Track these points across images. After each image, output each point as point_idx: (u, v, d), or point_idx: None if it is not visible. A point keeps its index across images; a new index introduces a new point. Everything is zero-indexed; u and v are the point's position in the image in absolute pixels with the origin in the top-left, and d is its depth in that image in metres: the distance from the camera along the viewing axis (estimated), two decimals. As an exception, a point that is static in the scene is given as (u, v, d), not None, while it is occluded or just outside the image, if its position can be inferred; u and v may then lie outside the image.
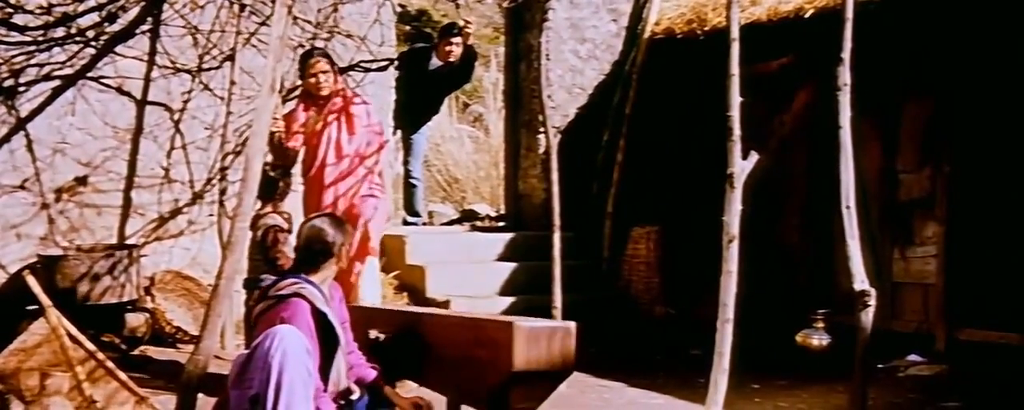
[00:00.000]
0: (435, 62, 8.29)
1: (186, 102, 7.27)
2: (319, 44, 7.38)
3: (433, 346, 4.36)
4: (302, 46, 7.31)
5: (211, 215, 7.17)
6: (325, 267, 4.03)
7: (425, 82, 8.34)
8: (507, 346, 3.67)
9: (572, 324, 3.80)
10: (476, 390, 3.96)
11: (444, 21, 12.74)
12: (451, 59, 8.17)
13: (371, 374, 4.26)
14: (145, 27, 7.07)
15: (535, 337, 3.71)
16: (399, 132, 8.68)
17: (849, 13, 4.18)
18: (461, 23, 8.24)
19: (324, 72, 6.07)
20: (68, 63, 6.91)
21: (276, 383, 3.60)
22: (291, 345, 3.66)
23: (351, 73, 7.33)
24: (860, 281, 4.07)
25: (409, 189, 8.85)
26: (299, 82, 7.29)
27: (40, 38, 6.83)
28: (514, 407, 3.82)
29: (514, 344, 3.66)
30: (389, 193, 6.71)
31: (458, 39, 8.11)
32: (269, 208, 5.81)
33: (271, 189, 5.67)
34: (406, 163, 8.81)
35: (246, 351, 3.87)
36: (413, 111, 8.49)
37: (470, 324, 4.11)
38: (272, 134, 5.98)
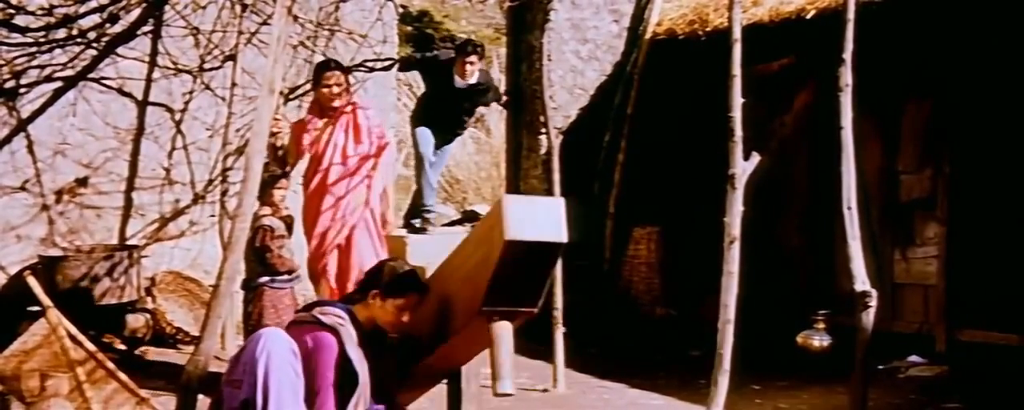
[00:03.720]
0: (459, 81, 8.17)
1: (187, 103, 7.27)
2: (320, 43, 7.39)
3: (435, 318, 4.30)
4: (303, 45, 7.32)
5: (212, 216, 7.17)
6: (372, 300, 3.99)
7: (451, 98, 8.23)
8: (499, 224, 3.66)
9: (561, 199, 3.81)
10: (471, 302, 3.89)
11: (446, 22, 12.76)
12: (469, 79, 8.06)
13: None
14: (146, 28, 7.08)
15: (526, 206, 3.71)
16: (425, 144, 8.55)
17: (850, 14, 4.17)
18: (476, 40, 8.25)
19: (338, 85, 6.08)
20: (69, 64, 6.92)
21: (264, 386, 3.61)
22: (276, 347, 3.66)
23: (353, 72, 7.32)
24: (861, 282, 4.06)
25: (422, 190, 8.70)
26: (300, 82, 7.32)
27: (41, 39, 6.84)
28: (510, 304, 3.79)
29: (506, 215, 3.65)
30: (393, 201, 6.65)
31: (474, 58, 7.98)
32: (268, 209, 5.81)
33: (265, 188, 5.65)
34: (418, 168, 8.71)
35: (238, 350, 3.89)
36: (440, 124, 8.41)
37: (463, 243, 4.12)
38: (272, 135, 5.98)
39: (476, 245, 3.98)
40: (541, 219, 3.73)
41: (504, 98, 8.61)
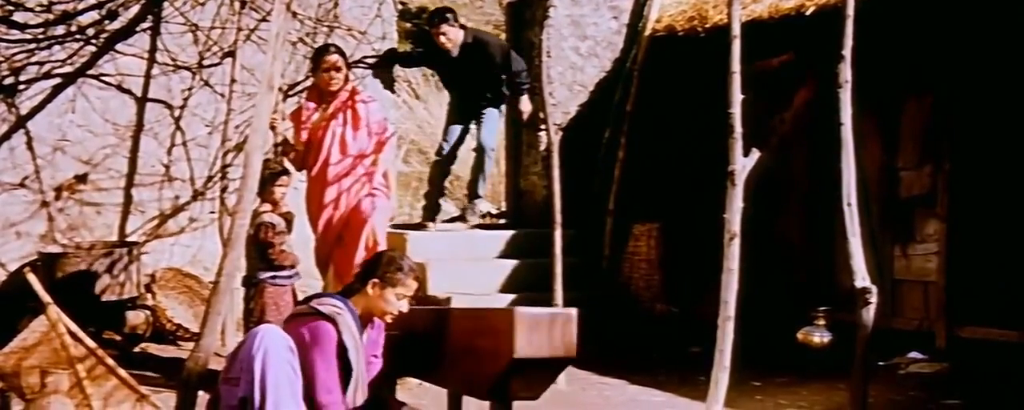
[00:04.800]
0: (450, 53, 8.01)
1: (186, 99, 7.27)
2: (319, 39, 7.38)
3: (434, 341, 4.35)
4: (302, 41, 7.31)
5: (212, 212, 7.17)
6: (372, 289, 3.98)
7: (456, 72, 8.12)
8: (508, 334, 3.65)
9: (573, 311, 3.79)
10: (477, 381, 3.93)
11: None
12: (454, 46, 7.90)
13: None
14: (145, 24, 7.07)
15: (536, 324, 3.69)
16: (448, 138, 8.32)
17: (850, 10, 4.17)
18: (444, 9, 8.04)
19: (337, 68, 6.10)
20: (68, 61, 6.92)
21: (261, 384, 3.61)
22: (272, 344, 3.66)
23: (353, 69, 7.30)
24: (861, 279, 4.06)
25: (480, 159, 8.36)
26: (299, 78, 7.32)
27: (40, 36, 6.84)
28: (515, 396, 3.81)
29: (515, 331, 3.64)
30: (394, 191, 6.68)
31: (442, 26, 7.81)
32: (269, 206, 5.81)
33: (265, 185, 5.64)
34: (479, 142, 8.30)
35: (235, 347, 3.89)
36: (467, 105, 8.20)
37: (471, 315, 4.11)
38: (272, 128, 5.98)
39: (488, 330, 3.95)
40: (551, 335, 3.71)
41: (525, 72, 8.02)
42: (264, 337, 3.69)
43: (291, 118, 6.25)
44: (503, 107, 8.23)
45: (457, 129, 8.30)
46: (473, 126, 8.31)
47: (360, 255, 5.95)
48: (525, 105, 7.94)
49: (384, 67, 8.09)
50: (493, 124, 8.27)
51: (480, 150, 8.23)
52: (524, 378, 3.76)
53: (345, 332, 3.85)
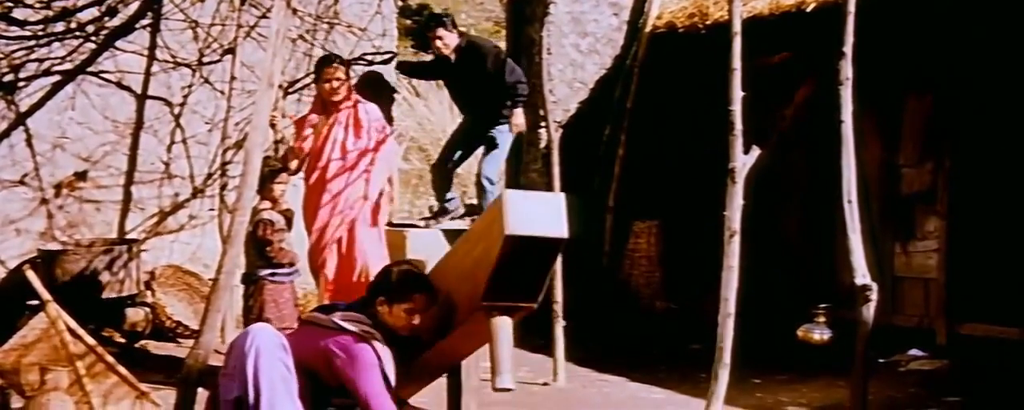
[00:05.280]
0: (450, 59, 7.86)
1: (186, 96, 7.26)
2: (319, 36, 7.37)
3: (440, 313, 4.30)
4: (302, 38, 7.31)
5: (211, 209, 7.17)
6: (380, 307, 3.99)
7: (457, 79, 7.99)
8: (499, 220, 3.62)
9: (562, 194, 3.78)
10: (475, 291, 3.89)
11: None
12: (445, 52, 7.78)
13: None
14: (145, 21, 7.07)
15: (525, 201, 3.69)
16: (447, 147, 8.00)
17: (851, 7, 4.16)
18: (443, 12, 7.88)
19: (339, 79, 6.12)
20: (68, 58, 6.91)
21: (255, 383, 3.62)
22: (264, 343, 3.66)
23: (352, 66, 7.28)
24: (861, 275, 4.06)
25: (480, 192, 7.86)
26: (299, 75, 7.31)
27: (40, 33, 6.83)
28: (511, 296, 3.77)
29: (506, 210, 3.61)
30: (398, 194, 6.65)
31: (439, 30, 7.70)
32: (268, 204, 5.81)
33: (264, 182, 5.64)
34: (478, 176, 7.79)
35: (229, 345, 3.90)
36: (473, 112, 7.85)
37: (463, 238, 4.10)
38: (272, 126, 5.99)
39: (476, 240, 3.97)
40: (542, 214, 3.71)
41: (521, 83, 7.58)
42: (255, 337, 3.69)
43: (294, 125, 6.28)
44: (512, 127, 7.64)
45: (457, 152, 8.03)
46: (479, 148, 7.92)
47: (354, 282, 5.95)
48: (518, 118, 7.43)
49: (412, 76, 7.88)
50: (498, 153, 7.74)
51: (479, 186, 7.76)
52: (518, 273, 3.71)
53: (382, 352, 3.88)
